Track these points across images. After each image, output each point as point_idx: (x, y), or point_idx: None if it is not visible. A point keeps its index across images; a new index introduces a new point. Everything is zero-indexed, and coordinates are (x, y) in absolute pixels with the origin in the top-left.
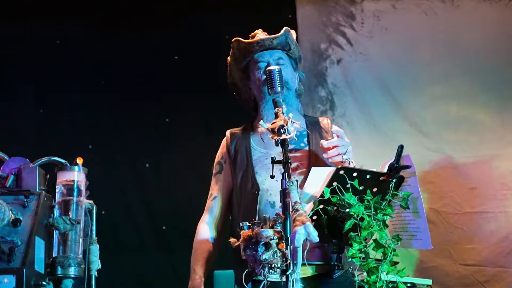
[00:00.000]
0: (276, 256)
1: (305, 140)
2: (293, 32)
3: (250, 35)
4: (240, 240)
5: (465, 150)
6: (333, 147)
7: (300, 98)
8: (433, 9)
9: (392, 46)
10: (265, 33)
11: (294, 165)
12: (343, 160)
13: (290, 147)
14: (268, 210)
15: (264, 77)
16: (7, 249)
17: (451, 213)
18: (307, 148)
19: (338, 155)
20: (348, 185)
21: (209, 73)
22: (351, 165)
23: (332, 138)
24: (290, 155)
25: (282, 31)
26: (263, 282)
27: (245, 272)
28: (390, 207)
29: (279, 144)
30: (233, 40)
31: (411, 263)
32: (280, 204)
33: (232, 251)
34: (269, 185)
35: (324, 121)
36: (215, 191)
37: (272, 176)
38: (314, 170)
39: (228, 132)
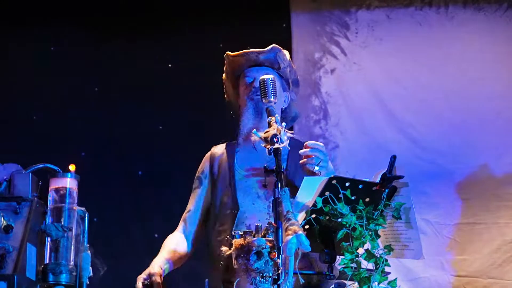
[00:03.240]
0: (268, 265)
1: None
2: (285, 52)
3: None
4: (232, 249)
5: (458, 161)
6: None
7: (291, 122)
8: (427, 20)
9: (386, 56)
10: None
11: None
12: (314, 171)
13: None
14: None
15: (248, 89)
16: None
17: (444, 224)
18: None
19: (310, 163)
20: (341, 195)
21: (204, 81)
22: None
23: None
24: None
25: (269, 47)
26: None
27: (236, 281)
28: (383, 217)
29: (272, 153)
30: (226, 54)
31: (402, 274)
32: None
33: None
34: (246, 208)
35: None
36: (192, 206)
37: (264, 185)
38: (306, 179)
39: (212, 149)
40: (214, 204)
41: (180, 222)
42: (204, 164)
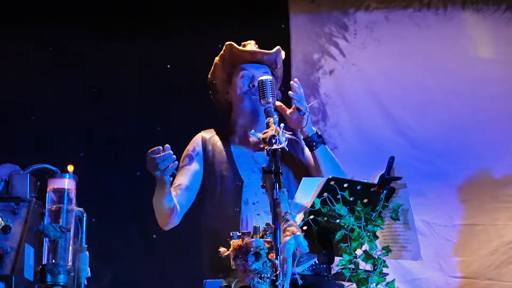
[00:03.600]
0: (266, 266)
1: None
2: (283, 53)
3: (242, 44)
4: (230, 249)
5: (456, 162)
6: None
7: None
8: (426, 21)
9: (385, 57)
10: (257, 45)
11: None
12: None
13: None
14: (251, 209)
15: (247, 88)
16: None
17: (442, 225)
18: None
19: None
20: (339, 196)
21: (202, 82)
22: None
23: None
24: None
25: (275, 49)
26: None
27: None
28: (381, 218)
29: (270, 154)
30: (226, 43)
31: (401, 275)
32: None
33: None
34: (252, 182)
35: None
36: (183, 180)
37: (262, 186)
38: (304, 180)
39: (202, 132)
40: (212, 180)
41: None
42: (195, 144)
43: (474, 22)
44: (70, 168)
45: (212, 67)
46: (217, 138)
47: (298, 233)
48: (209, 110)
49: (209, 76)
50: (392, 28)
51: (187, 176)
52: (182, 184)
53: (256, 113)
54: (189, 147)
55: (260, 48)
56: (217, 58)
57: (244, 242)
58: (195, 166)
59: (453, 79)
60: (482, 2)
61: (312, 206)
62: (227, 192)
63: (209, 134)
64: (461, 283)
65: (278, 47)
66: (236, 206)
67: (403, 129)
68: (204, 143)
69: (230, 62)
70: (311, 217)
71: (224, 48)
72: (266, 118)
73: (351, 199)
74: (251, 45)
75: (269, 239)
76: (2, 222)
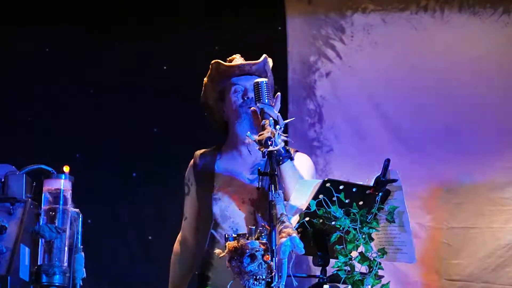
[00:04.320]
0: (261, 268)
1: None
2: (270, 60)
3: (228, 59)
4: (226, 251)
5: (452, 165)
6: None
7: None
8: (423, 24)
9: (382, 60)
10: (242, 58)
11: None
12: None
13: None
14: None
15: (241, 100)
16: None
17: (437, 228)
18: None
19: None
20: (334, 198)
21: (198, 84)
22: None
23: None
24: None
25: (262, 58)
26: None
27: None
28: (376, 220)
29: (266, 156)
30: (212, 62)
31: (396, 277)
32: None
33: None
34: (231, 213)
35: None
36: (187, 213)
37: (258, 188)
38: (300, 182)
39: (197, 153)
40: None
41: (181, 228)
42: (189, 170)
43: (471, 25)
44: (66, 168)
45: (203, 88)
46: (207, 163)
47: (294, 235)
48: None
49: (201, 98)
50: (389, 30)
51: (189, 208)
52: (188, 219)
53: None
54: (186, 174)
55: (253, 54)
56: (205, 79)
57: (239, 244)
58: (192, 196)
59: (450, 82)
60: (479, 5)
61: (308, 208)
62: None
63: (203, 158)
64: (457, 286)
65: (264, 55)
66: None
67: (399, 131)
68: (195, 169)
69: (219, 80)
70: (307, 219)
71: (210, 67)
72: (262, 120)
73: (346, 201)
74: (236, 59)
75: (264, 240)
76: None
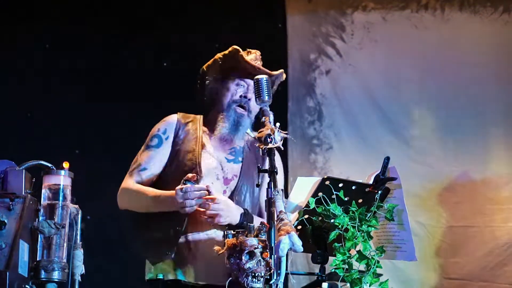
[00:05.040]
0: (260, 265)
1: (242, 155)
2: (283, 76)
3: (248, 50)
4: (225, 248)
5: (451, 164)
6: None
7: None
8: (423, 22)
9: (382, 58)
10: (259, 56)
11: (230, 175)
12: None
13: (231, 158)
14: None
15: (238, 96)
16: None
17: (436, 227)
18: (240, 163)
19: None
20: (334, 196)
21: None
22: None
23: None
24: (228, 166)
25: (278, 72)
26: None
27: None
28: (375, 218)
29: (265, 153)
30: (237, 49)
31: (394, 275)
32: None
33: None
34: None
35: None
36: (147, 164)
37: (257, 185)
38: (300, 180)
39: (178, 114)
40: (174, 168)
41: (129, 176)
42: (168, 125)
43: (471, 24)
44: (66, 164)
45: (211, 60)
46: (192, 126)
47: (293, 232)
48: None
49: (204, 66)
50: (389, 29)
51: (153, 161)
52: (147, 170)
53: (239, 124)
54: (160, 127)
55: (257, 52)
56: (219, 55)
57: (238, 241)
58: (162, 150)
59: (450, 80)
60: (479, 4)
61: (307, 205)
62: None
63: (186, 120)
64: (455, 285)
65: (281, 70)
66: None
67: (398, 129)
68: (178, 127)
69: (230, 66)
70: (306, 216)
71: (230, 50)
72: (262, 117)
73: (346, 199)
74: (255, 55)
75: (263, 238)
76: None
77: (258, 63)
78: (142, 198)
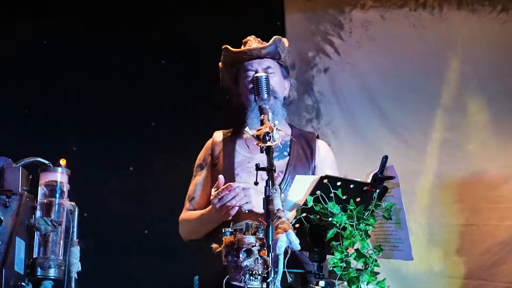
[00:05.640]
0: (258, 263)
1: (288, 150)
2: (285, 40)
3: (243, 41)
4: (222, 246)
5: (449, 162)
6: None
7: (289, 106)
8: (421, 21)
9: (380, 56)
10: (258, 39)
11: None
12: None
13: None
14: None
15: (251, 85)
16: None
17: (434, 225)
18: (287, 158)
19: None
20: (332, 194)
21: (196, 79)
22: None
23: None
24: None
25: (271, 41)
26: None
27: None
28: (373, 217)
29: (264, 151)
30: (223, 47)
31: (392, 274)
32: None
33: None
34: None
35: (310, 136)
36: (194, 193)
37: (256, 183)
38: (298, 178)
39: (215, 134)
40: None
41: (185, 207)
42: (206, 151)
43: (469, 23)
44: (63, 162)
45: (219, 73)
46: (229, 140)
47: (290, 230)
48: (201, 107)
49: (220, 83)
50: (388, 27)
51: (199, 188)
52: (196, 198)
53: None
54: (201, 155)
55: (250, 37)
56: (220, 64)
57: (236, 239)
58: (204, 176)
59: (447, 79)
60: (477, 2)
61: (305, 204)
62: None
63: (221, 136)
64: (453, 283)
65: (274, 37)
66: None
67: (396, 127)
68: (213, 148)
69: (231, 65)
70: (304, 214)
71: (222, 52)
72: (260, 115)
73: (344, 197)
74: (250, 41)
75: (261, 236)
76: None
77: (255, 45)
78: (192, 224)
